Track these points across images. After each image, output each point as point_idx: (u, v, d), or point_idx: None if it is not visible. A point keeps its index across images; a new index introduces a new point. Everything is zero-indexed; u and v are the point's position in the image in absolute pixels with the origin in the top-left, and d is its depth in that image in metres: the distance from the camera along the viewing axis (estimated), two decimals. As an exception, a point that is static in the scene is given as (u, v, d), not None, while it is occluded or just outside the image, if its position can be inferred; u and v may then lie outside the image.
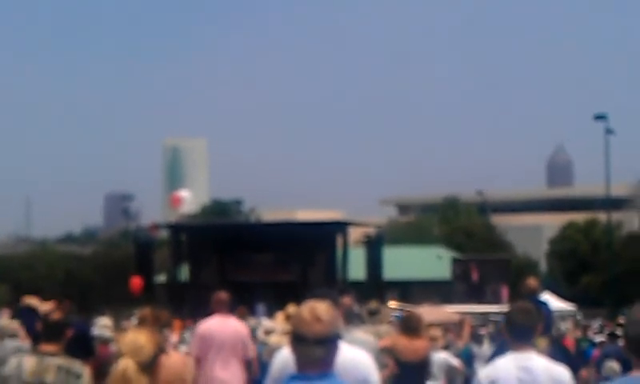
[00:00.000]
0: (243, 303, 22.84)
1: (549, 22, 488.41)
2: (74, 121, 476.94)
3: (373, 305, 14.23)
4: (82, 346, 12.11)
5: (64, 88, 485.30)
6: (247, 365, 13.26)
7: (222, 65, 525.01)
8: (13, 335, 13.09)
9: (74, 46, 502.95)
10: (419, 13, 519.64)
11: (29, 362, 8.06)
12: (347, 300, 10.43)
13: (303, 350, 4.82)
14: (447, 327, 24.59)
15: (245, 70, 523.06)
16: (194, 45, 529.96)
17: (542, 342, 8.79)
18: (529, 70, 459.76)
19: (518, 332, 7.37)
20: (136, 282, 34.95)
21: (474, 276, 57.34)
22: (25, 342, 12.90)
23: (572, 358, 13.47)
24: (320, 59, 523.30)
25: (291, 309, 14.37)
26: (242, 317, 17.38)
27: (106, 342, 14.27)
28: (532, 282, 14.70)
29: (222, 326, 12.97)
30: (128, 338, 5.78)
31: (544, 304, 14.68)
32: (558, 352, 10.58)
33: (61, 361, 8.01)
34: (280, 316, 16.62)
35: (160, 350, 5.89)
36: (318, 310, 4.87)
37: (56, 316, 8.40)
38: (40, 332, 8.39)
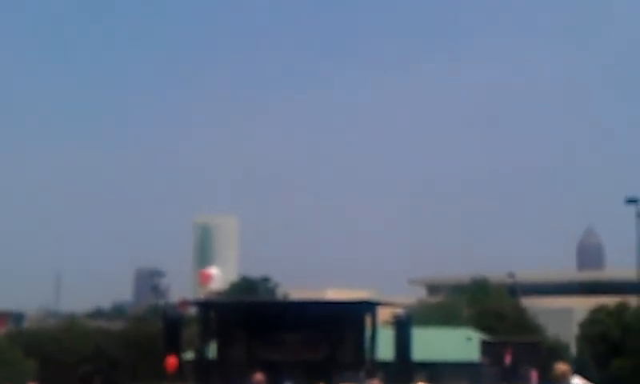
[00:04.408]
0: (270, 382, 22.79)
1: (579, 104, 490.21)
2: (105, 196, 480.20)
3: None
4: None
5: (95, 162, 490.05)
6: None
7: (251, 143, 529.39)
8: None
9: (104, 119, 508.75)
10: (460, 94, 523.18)
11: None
12: (376, 382, 10.49)
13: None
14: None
15: (275, 147, 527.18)
16: (223, 124, 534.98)
17: None
18: (560, 151, 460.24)
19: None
20: (172, 361, 34.69)
21: (507, 359, 56.80)
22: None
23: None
24: (347, 139, 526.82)
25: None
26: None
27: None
28: (562, 366, 14.68)
29: None
30: None
31: (574, 389, 14.61)
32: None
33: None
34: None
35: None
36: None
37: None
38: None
